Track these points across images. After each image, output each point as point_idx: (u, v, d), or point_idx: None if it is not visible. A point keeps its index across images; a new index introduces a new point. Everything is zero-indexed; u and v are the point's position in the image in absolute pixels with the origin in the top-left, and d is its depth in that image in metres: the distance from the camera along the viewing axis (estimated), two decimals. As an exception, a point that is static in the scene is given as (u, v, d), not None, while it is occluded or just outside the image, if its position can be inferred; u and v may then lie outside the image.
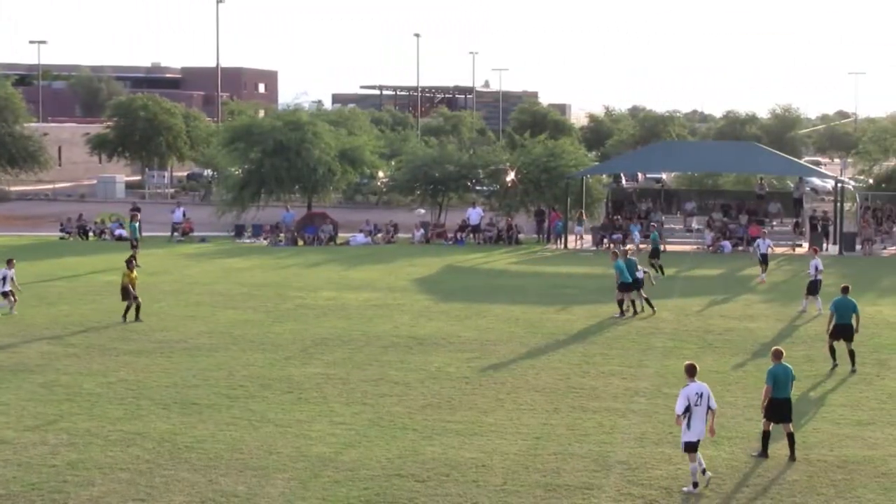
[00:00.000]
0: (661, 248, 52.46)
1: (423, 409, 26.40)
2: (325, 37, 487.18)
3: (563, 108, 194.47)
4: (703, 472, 20.94)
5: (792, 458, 22.52)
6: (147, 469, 21.62)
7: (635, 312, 39.37)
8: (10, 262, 39.49)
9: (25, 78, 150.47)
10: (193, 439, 23.64)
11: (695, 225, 67.54)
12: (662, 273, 49.62)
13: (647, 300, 39.90)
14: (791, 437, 22.70)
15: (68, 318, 38.41)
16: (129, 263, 38.86)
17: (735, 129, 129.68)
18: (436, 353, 32.98)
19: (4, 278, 38.71)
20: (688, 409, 20.76)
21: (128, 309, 37.75)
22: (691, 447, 20.73)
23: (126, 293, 37.96)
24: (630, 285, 39.38)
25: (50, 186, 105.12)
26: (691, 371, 21.16)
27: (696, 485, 20.65)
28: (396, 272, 51.95)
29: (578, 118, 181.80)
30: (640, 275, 39.97)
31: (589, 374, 30.38)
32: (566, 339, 35.44)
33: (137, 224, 57.53)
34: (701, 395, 20.87)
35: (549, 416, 25.96)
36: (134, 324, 37.04)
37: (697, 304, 42.33)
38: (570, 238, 65.77)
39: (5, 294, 38.80)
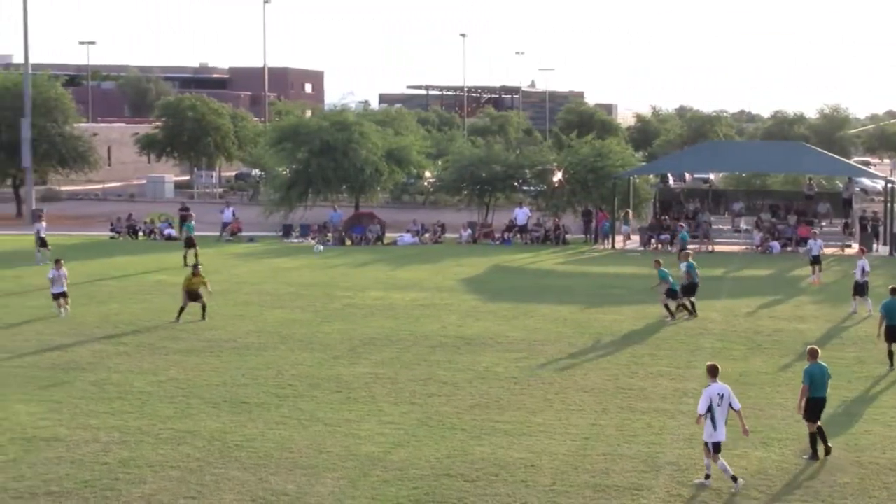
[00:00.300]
0: (710, 249, 52.27)
1: (472, 409, 26.43)
2: (372, 37, 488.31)
3: (609, 108, 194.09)
4: (707, 477, 20.98)
5: (827, 451, 22.67)
6: (197, 467, 21.76)
7: (690, 313, 39.16)
8: (58, 263, 39.60)
9: (75, 78, 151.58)
10: (243, 438, 23.77)
11: (743, 225, 67.16)
12: None
13: (684, 305, 39.52)
14: (821, 431, 22.72)
15: (119, 316, 38.69)
16: (195, 269, 39.28)
17: (783, 128, 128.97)
18: (484, 353, 33.00)
19: (54, 279, 38.77)
20: (710, 410, 20.80)
21: (181, 311, 37.98)
22: (718, 448, 20.87)
23: (192, 296, 38.20)
24: (676, 292, 39.25)
25: (100, 186, 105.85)
26: (713, 371, 21.27)
27: (735, 479, 20.80)
28: (444, 272, 52.00)
29: (625, 118, 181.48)
30: (697, 279, 39.91)
31: (637, 374, 30.31)
32: (614, 339, 35.38)
33: (193, 223, 57.70)
34: (722, 396, 20.96)
35: (598, 416, 25.93)
36: (185, 324, 37.22)
37: (746, 305, 42.12)
38: (618, 238, 65.60)
39: (56, 296, 38.81)
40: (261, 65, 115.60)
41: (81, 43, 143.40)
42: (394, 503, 19.93)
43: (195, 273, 38.94)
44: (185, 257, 52.63)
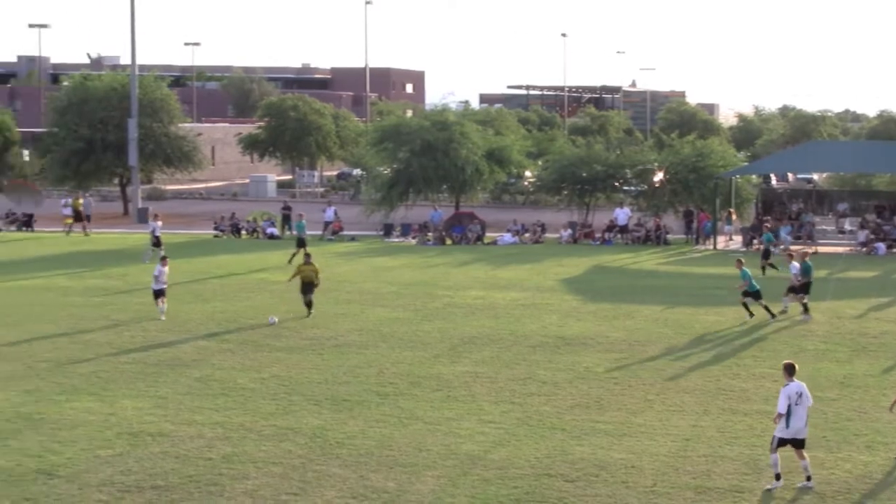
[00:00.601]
0: (813, 250, 51.65)
1: (572, 409, 26.40)
2: (472, 37, 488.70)
3: (711, 108, 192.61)
4: (808, 479, 20.78)
5: None
6: (300, 464, 21.98)
7: (777, 316, 38.66)
8: (163, 260, 39.97)
9: (180, 79, 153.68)
10: (344, 435, 23.96)
11: (847, 226, 66.29)
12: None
13: (766, 307, 38.99)
14: None
15: (222, 314, 39.17)
16: (307, 258, 40.07)
17: (889, 128, 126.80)
18: (584, 353, 32.94)
19: (158, 276, 39.19)
20: (788, 409, 20.69)
21: (310, 305, 38.76)
22: (782, 443, 20.79)
23: (305, 287, 38.82)
24: (756, 292, 38.77)
25: (203, 185, 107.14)
26: (790, 370, 21.16)
27: (778, 476, 20.68)
28: (544, 272, 51.95)
29: (727, 118, 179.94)
30: (811, 278, 39.53)
31: (739, 376, 30.07)
32: (716, 340, 35.13)
33: (304, 222, 58.05)
34: (801, 395, 20.87)
35: (699, 417, 25.78)
36: (287, 321, 37.58)
37: (851, 307, 41.57)
38: (720, 238, 65.08)
39: (157, 294, 39.02)
40: (362, 65, 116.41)
41: (186, 44, 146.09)
42: (493, 502, 19.98)
43: (307, 262, 39.52)
44: (293, 255, 52.42)
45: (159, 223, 56.91)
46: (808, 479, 20.77)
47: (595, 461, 22.26)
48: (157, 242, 54.66)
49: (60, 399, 26.95)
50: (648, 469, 21.80)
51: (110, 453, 22.54)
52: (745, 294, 39.00)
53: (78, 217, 70.59)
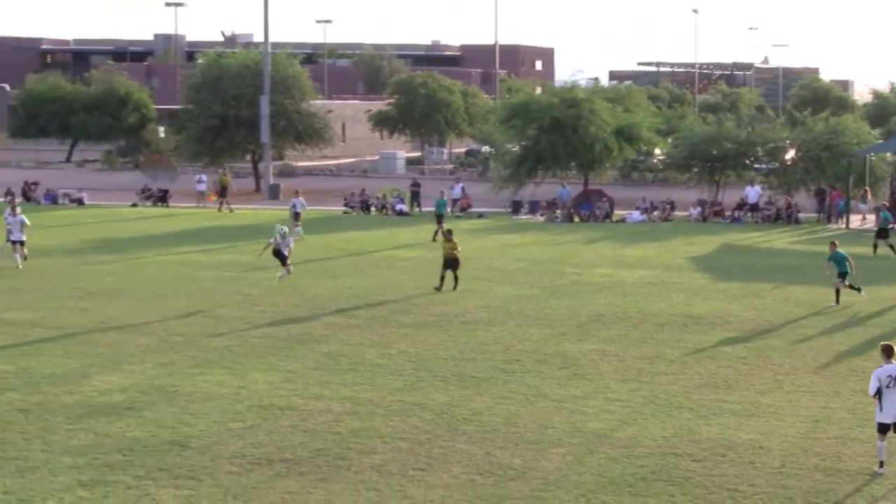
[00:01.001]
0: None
1: (700, 389, 26.26)
2: (603, 13, 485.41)
3: (845, 85, 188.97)
4: (881, 464, 20.39)
5: None
6: (426, 439, 22.17)
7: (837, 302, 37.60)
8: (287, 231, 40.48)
9: (312, 56, 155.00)
10: (471, 412, 24.11)
11: None
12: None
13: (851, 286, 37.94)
14: None
15: (351, 290, 39.57)
16: (448, 234, 40.66)
17: None
18: (712, 332, 32.70)
19: (284, 235, 39.65)
20: (879, 391, 20.29)
21: (456, 280, 39.25)
22: (884, 428, 20.43)
23: (449, 263, 39.38)
24: (845, 275, 37.62)
25: (334, 162, 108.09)
26: (888, 352, 20.71)
27: (881, 464, 20.35)
28: (672, 250, 51.62)
29: (862, 95, 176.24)
30: None
31: (871, 357, 29.53)
32: (847, 320, 34.62)
33: (445, 199, 58.38)
34: (893, 378, 20.39)
35: (830, 398, 25.48)
36: (415, 297, 37.88)
37: None
38: (854, 217, 64.00)
39: (279, 254, 39.56)
40: (492, 42, 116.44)
41: (318, 21, 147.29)
42: (619, 481, 19.98)
43: (447, 238, 39.99)
44: (435, 233, 52.85)
45: (301, 199, 57.57)
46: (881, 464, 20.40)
47: (722, 441, 22.14)
48: (296, 217, 55.53)
49: (193, 372, 27.51)
50: (776, 450, 21.62)
51: (241, 426, 22.96)
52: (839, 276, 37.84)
53: (223, 192, 71.59)
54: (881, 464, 20.42)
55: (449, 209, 68.69)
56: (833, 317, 35.15)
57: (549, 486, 19.73)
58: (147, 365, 28.21)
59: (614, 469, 20.51)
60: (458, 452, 21.38)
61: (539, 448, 21.67)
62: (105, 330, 32.43)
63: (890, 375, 20.41)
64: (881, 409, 20.45)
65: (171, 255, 48.60)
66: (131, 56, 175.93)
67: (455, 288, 39.05)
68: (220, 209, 70.22)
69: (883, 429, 20.47)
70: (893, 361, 20.61)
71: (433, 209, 58.50)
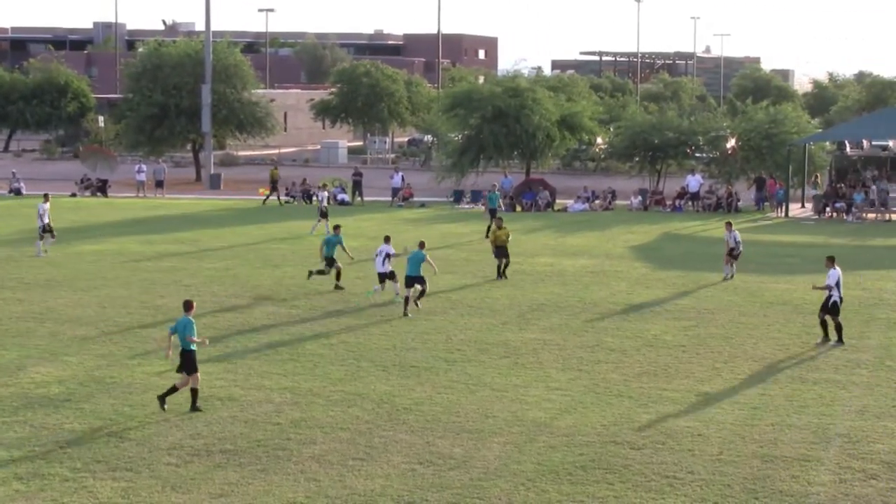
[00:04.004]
0: (887, 217, 51.00)
1: (639, 377, 26.38)
2: (545, 3, 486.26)
3: (785, 74, 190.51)
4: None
5: None
6: (367, 429, 22.15)
7: None
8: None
9: (253, 45, 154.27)
10: (411, 401, 24.11)
11: (923, 194, 65.32)
12: None
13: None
14: None
15: (292, 280, 39.41)
16: (499, 222, 41.19)
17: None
18: (652, 320, 32.85)
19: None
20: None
21: (505, 267, 39.89)
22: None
23: (500, 251, 39.90)
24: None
25: (276, 151, 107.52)
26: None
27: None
28: (614, 239, 51.80)
29: (801, 84, 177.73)
30: None
31: (808, 344, 29.87)
32: (785, 308, 34.87)
33: (497, 193, 57.38)
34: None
35: (767, 386, 25.67)
36: (356, 288, 37.73)
37: (924, 276, 41.12)
38: (795, 206, 64.40)
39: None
40: (435, 31, 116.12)
41: (260, 10, 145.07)
42: (559, 469, 20.04)
43: (499, 226, 40.56)
44: (488, 229, 50.67)
45: (326, 193, 55.98)
46: None
47: (661, 429, 22.26)
48: (324, 213, 52.83)
49: (132, 363, 27.33)
50: (715, 437, 21.77)
51: (180, 417, 22.82)
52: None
53: (275, 186, 69.12)
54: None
55: (391, 199, 68.63)
56: (771, 304, 35.39)
57: (490, 475, 19.76)
58: (85, 356, 27.98)
59: (554, 457, 20.57)
60: (399, 442, 21.37)
61: (480, 437, 21.69)
62: (42, 321, 32.13)
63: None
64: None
65: (110, 246, 48.19)
66: (71, 44, 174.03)
67: (500, 278, 39.58)
68: (279, 202, 68.10)
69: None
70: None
71: (484, 204, 56.22)
